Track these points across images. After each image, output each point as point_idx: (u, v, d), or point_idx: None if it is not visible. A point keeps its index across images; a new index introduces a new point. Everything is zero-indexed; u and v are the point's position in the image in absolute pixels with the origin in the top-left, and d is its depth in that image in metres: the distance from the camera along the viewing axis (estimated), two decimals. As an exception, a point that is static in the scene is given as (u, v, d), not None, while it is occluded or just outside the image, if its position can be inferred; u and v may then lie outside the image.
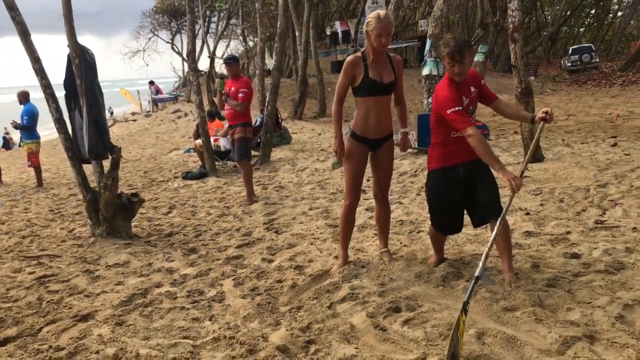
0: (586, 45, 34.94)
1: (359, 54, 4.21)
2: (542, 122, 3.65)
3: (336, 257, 4.61)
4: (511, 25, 7.32)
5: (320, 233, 5.52)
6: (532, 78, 25.48)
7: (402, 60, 4.44)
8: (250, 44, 39.11)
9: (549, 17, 41.02)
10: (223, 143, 10.50)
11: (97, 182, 5.75)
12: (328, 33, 31.75)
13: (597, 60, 32.77)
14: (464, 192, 3.91)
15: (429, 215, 5.65)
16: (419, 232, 5.23)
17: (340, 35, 29.84)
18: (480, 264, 3.34)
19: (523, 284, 3.65)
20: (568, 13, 39.95)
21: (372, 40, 4.05)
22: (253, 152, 11.54)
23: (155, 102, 32.59)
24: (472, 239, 4.80)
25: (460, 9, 35.10)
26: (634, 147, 8.31)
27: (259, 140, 11.32)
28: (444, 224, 4.07)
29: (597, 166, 6.79)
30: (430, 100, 10.05)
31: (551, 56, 43.09)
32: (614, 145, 8.70)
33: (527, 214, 5.44)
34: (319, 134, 14.72)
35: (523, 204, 5.75)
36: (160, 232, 6.20)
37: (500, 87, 21.82)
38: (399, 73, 4.25)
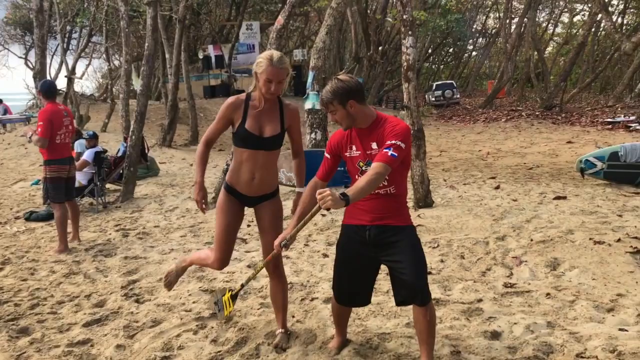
0: (448, 82, 36.93)
1: (243, 95, 3.43)
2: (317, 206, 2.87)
3: (214, 341, 3.69)
4: (405, 64, 6.88)
5: (194, 302, 4.51)
6: (403, 112, 26.18)
7: (298, 110, 3.68)
8: (116, 62, 36.70)
9: (414, 53, 43.08)
10: (78, 177, 9.07)
11: None
12: (200, 57, 30.61)
13: (459, 96, 34.80)
14: (372, 260, 3.21)
15: (321, 275, 4.94)
16: (312, 299, 4.45)
17: (213, 59, 28.85)
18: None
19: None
20: (430, 51, 42.35)
21: (261, 84, 3.29)
22: (115, 187, 10.28)
23: (2, 123, 29.21)
24: (375, 311, 4.10)
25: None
26: (517, 190, 8.29)
27: (121, 172, 10.01)
28: (342, 290, 3.34)
29: (492, 215, 6.49)
30: (313, 135, 9.46)
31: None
32: (497, 187, 8.63)
33: (429, 273, 4.87)
34: (191, 165, 13.59)
35: (422, 260, 5.20)
36: (-17, 301, 4.82)
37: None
38: (294, 124, 3.53)
